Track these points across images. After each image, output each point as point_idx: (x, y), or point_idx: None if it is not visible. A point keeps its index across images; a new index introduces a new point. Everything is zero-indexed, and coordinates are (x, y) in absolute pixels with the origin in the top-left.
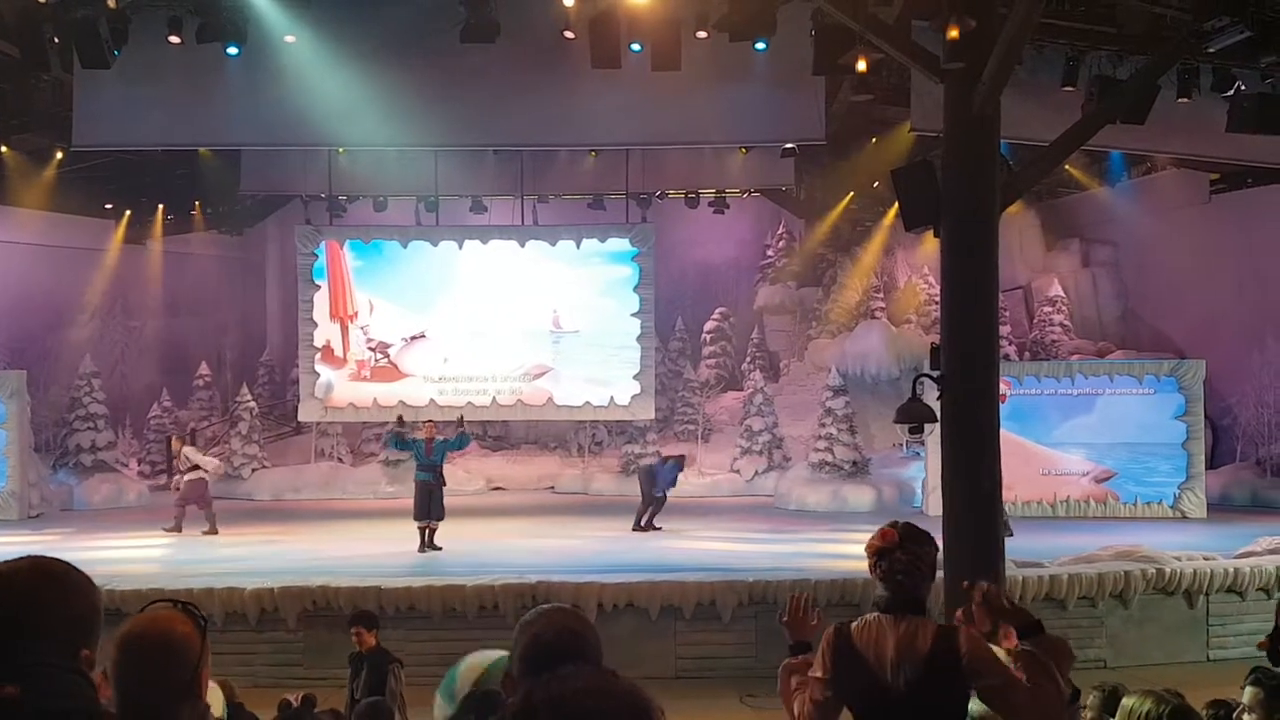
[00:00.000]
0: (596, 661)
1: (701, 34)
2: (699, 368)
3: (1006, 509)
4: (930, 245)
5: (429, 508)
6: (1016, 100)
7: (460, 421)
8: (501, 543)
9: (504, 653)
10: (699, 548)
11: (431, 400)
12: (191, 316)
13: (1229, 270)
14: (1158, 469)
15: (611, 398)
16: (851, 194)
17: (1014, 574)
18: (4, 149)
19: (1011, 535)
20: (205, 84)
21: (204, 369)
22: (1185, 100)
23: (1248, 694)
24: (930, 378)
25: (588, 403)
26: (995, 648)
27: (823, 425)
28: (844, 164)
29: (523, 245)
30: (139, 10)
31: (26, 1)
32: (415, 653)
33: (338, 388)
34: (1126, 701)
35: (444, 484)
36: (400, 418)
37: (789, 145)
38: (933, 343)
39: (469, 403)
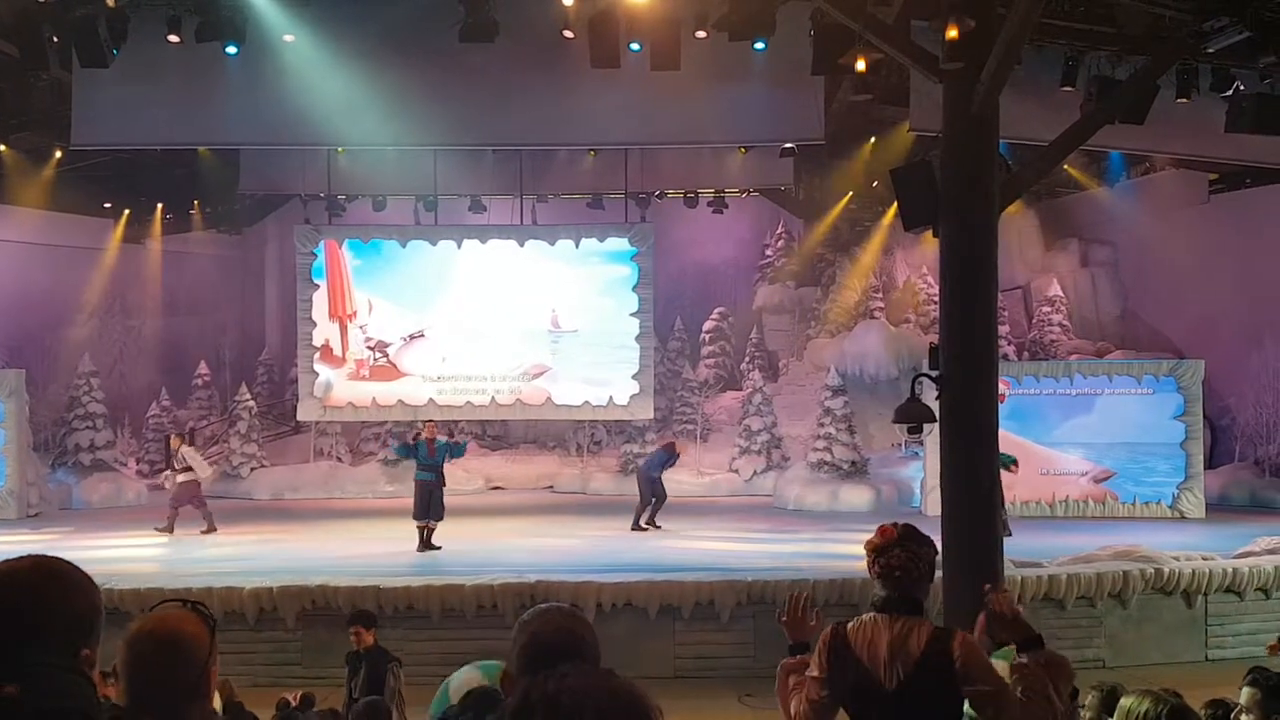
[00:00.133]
0: (595, 661)
1: (701, 34)
2: (698, 367)
3: (1005, 509)
4: (929, 245)
5: (429, 507)
6: (1015, 100)
7: (450, 433)
8: (500, 542)
9: (496, 662)
10: (697, 547)
11: (430, 400)
12: (190, 316)
13: (1228, 270)
14: (1156, 469)
15: (610, 397)
16: (850, 194)
17: (1013, 574)
18: (3, 148)
19: (1010, 535)
20: (204, 83)
21: (203, 368)
22: (1184, 100)
23: (1245, 694)
24: (929, 377)
25: (586, 402)
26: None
27: (821, 425)
28: (843, 164)
29: (521, 245)
30: (138, 9)
31: (25, 1)
32: (414, 652)
33: (336, 387)
34: (1125, 701)
35: (444, 484)
36: (417, 435)
37: (788, 145)
38: (931, 342)
39: (468, 402)
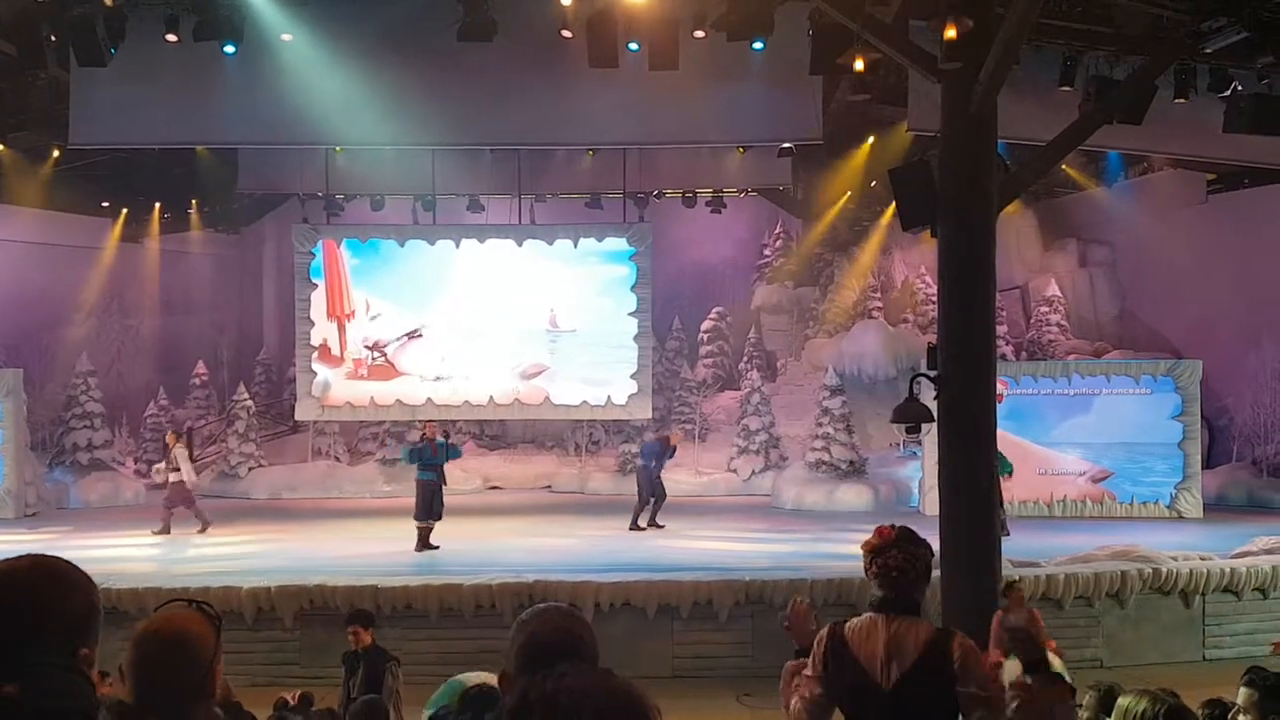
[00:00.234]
0: (593, 660)
1: (699, 33)
2: (696, 367)
3: (1003, 509)
4: (927, 245)
5: (431, 507)
6: (1014, 100)
7: (446, 435)
8: (498, 542)
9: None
10: (696, 547)
11: (428, 399)
12: (188, 315)
13: (1226, 270)
14: (1154, 469)
15: (608, 397)
16: (849, 194)
17: (1010, 573)
18: (1, 147)
19: (1008, 535)
20: (202, 82)
21: (201, 368)
22: (1182, 100)
23: (1242, 694)
24: (927, 377)
25: (585, 402)
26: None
27: (820, 425)
28: (841, 164)
29: (520, 244)
30: (135, 8)
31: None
32: (412, 652)
33: (335, 386)
34: (1122, 701)
35: (444, 483)
36: (423, 436)
37: (786, 145)
38: (930, 342)
39: (466, 401)
